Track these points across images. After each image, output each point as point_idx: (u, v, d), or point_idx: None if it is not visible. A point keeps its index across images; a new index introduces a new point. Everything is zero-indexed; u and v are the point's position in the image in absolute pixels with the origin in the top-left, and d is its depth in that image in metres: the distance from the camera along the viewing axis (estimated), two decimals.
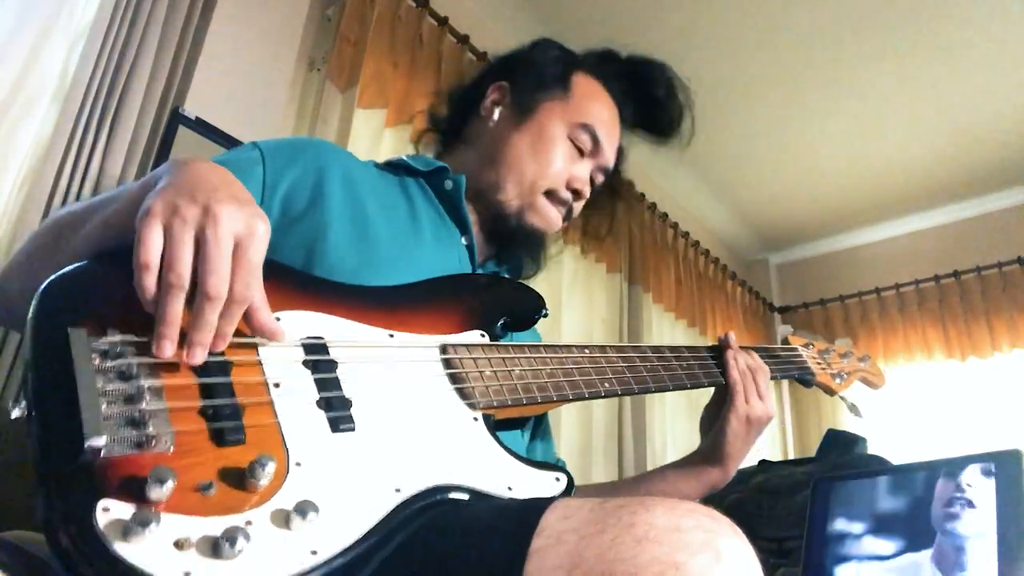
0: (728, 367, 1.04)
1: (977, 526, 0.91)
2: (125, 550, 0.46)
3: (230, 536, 0.48)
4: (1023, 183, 3.63)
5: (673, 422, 3.04)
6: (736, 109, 3.24)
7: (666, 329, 3.25)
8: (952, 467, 1.00)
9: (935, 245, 3.88)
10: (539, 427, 1.09)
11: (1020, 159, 3.46)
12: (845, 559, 1.04)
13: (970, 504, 0.94)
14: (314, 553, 0.52)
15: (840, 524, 1.08)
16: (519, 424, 0.95)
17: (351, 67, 2.04)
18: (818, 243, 4.29)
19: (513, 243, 1.07)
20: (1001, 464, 0.94)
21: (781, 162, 3.61)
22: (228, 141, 1.69)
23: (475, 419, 0.73)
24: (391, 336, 0.75)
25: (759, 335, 4.05)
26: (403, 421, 0.68)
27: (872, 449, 1.79)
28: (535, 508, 0.56)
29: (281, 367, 0.64)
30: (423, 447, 0.67)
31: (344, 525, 0.56)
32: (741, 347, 1.08)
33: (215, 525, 0.50)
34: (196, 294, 0.56)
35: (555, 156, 1.04)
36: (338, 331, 0.71)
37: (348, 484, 0.59)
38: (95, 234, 0.67)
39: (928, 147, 3.41)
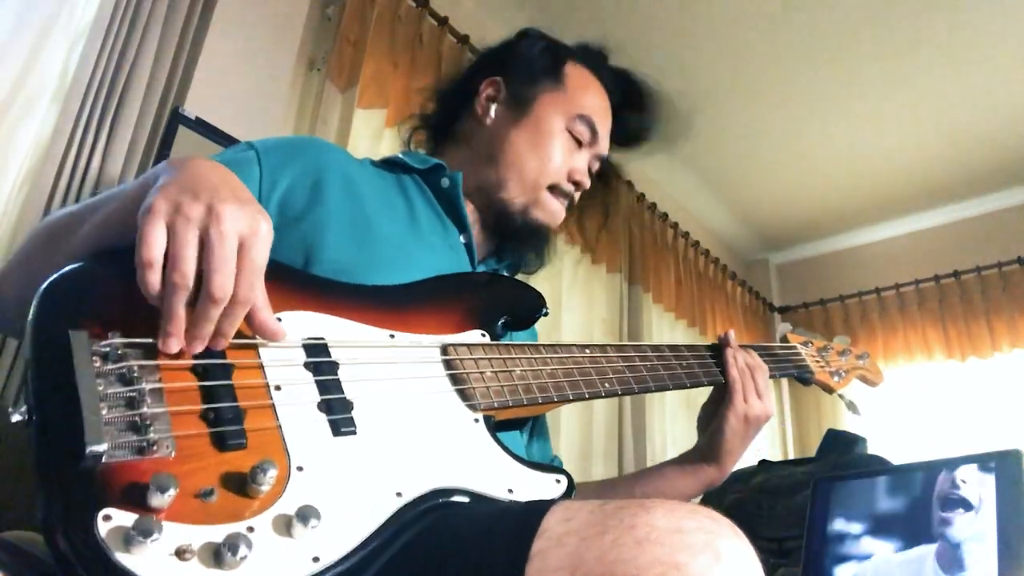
0: (727, 365, 1.04)
1: (977, 526, 0.91)
2: (127, 560, 0.46)
3: (232, 544, 0.48)
4: (1023, 183, 3.63)
5: (673, 422, 3.04)
6: (736, 109, 3.23)
7: (666, 329, 3.25)
8: (952, 467, 0.99)
9: (935, 245, 3.88)
10: (536, 426, 1.09)
11: (1020, 159, 3.45)
12: (845, 559, 1.04)
13: (970, 505, 0.94)
14: (316, 560, 0.52)
15: (840, 524, 1.08)
16: (519, 424, 0.95)
17: (351, 67, 2.04)
18: (818, 243, 4.29)
19: (518, 240, 1.07)
20: (1001, 464, 0.94)
21: (781, 162, 3.60)
22: (228, 141, 1.69)
23: (476, 420, 0.73)
24: (392, 336, 0.75)
25: (759, 335, 4.05)
26: (404, 423, 0.67)
27: (872, 449, 1.79)
28: (536, 510, 0.56)
29: (282, 369, 0.64)
30: (424, 450, 0.66)
31: (346, 531, 0.55)
32: (740, 345, 1.09)
33: (217, 533, 0.49)
34: (200, 293, 0.56)
35: (555, 150, 1.04)
36: (339, 332, 0.71)
37: (349, 489, 0.59)
38: (94, 234, 0.66)
39: (928, 147, 3.41)
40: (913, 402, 3.55)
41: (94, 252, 0.64)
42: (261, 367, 0.63)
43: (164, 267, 0.55)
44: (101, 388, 0.52)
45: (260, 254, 0.58)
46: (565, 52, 1.12)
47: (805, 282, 4.30)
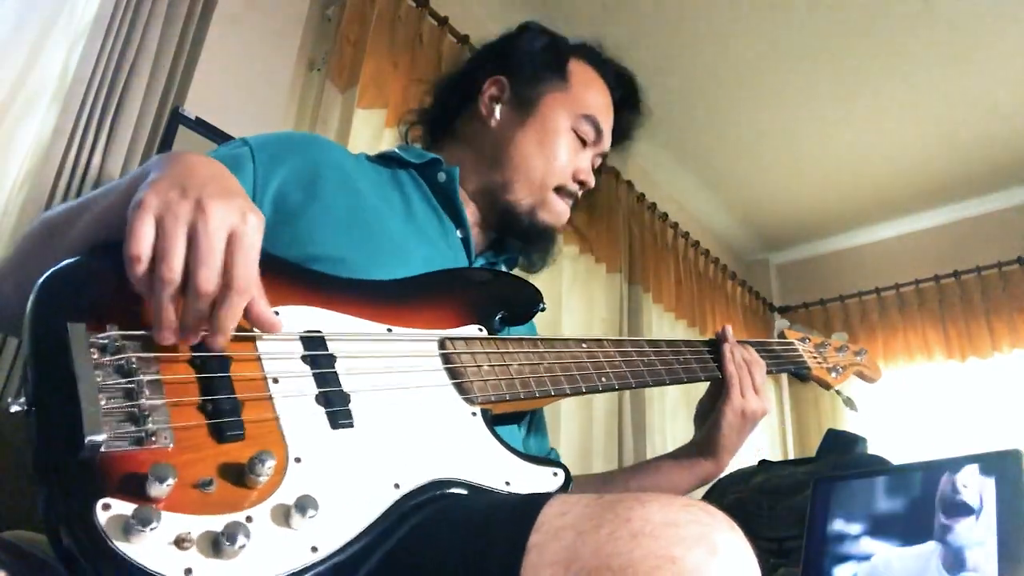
0: (724, 361, 1.04)
1: (978, 532, 0.91)
2: (126, 548, 0.46)
3: (231, 533, 0.48)
4: (1023, 183, 3.63)
5: (673, 420, 3.04)
6: (736, 109, 3.24)
7: (666, 329, 3.25)
8: (952, 467, 0.99)
9: (935, 245, 3.88)
10: (533, 420, 1.09)
11: (1020, 159, 3.46)
12: (845, 559, 1.04)
13: (971, 509, 0.94)
14: (315, 550, 0.53)
15: (840, 524, 1.08)
16: (517, 419, 0.95)
17: (351, 67, 2.04)
18: (818, 243, 4.29)
19: (525, 241, 1.07)
20: (1001, 464, 0.94)
21: (781, 162, 3.61)
22: (228, 141, 1.69)
23: (473, 414, 0.73)
24: (389, 331, 0.75)
25: (759, 335, 4.03)
26: (402, 416, 0.68)
27: (872, 449, 1.78)
28: (533, 503, 0.56)
29: (280, 362, 0.64)
30: (422, 442, 0.67)
31: (344, 521, 0.56)
32: (738, 341, 1.09)
33: (216, 523, 0.49)
34: (187, 288, 0.56)
35: (561, 150, 1.04)
36: (336, 325, 0.71)
37: (347, 480, 0.59)
38: (89, 229, 0.67)
39: (928, 147, 3.41)
40: (913, 402, 3.55)
41: (90, 247, 0.64)
42: (259, 359, 0.63)
43: (153, 262, 0.56)
44: (100, 379, 0.53)
45: (251, 246, 0.58)
46: (568, 48, 1.11)
47: (805, 282, 4.30)
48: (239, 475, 0.54)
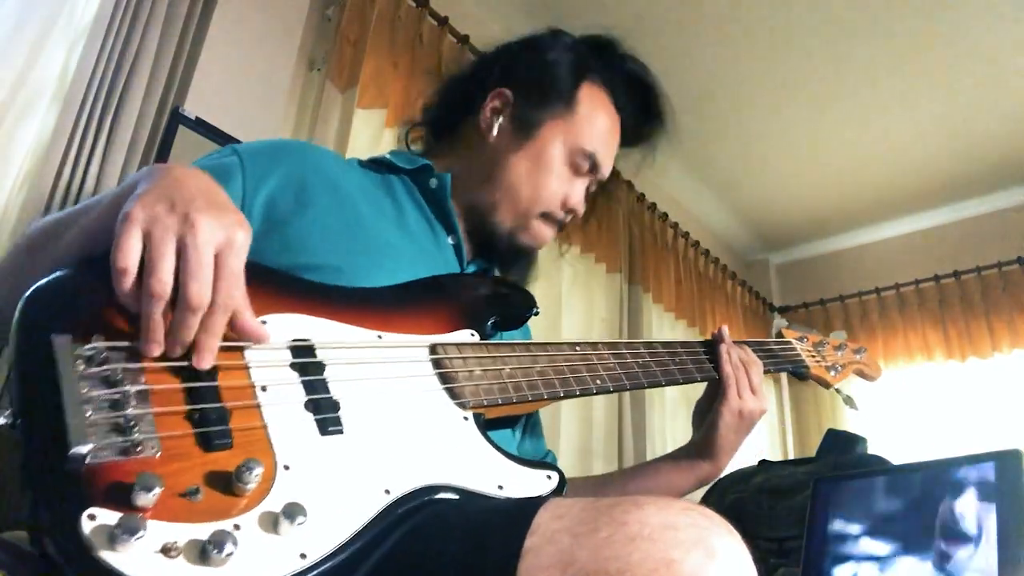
0: (721, 361, 1.04)
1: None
2: (111, 557, 0.46)
3: (218, 541, 0.48)
4: (1023, 183, 3.63)
5: (673, 421, 3.04)
6: (736, 109, 3.23)
7: (666, 329, 3.24)
8: (952, 467, 0.99)
9: (935, 245, 3.88)
10: (528, 423, 1.09)
11: (1020, 159, 3.45)
12: (845, 559, 1.04)
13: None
14: (303, 556, 0.52)
15: (840, 524, 1.08)
16: (511, 423, 0.95)
17: (351, 67, 2.04)
18: (818, 243, 4.29)
19: (502, 259, 1.07)
20: (1001, 464, 0.93)
21: (781, 162, 3.60)
22: (228, 141, 1.69)
23: (465, 418, 0.73)
24: (379, 337, 0.75)
25: (759, 335, 4.02)
26: (392, 422, 0.68)
27: (872, 449, 1.78)
28: (528, 507, 0.56)
29: (268, 370, 0.64)
30: (413, 448, 0.67)
31: (333, 528, 0.56)
32: (734, 341, 1.08)
33: (203, 531, 0.49)
34: (177, 301, 0.56)
35: (552, 181, 1.02)
36: (326, 333, 0.71)
37: (337, 487, 0.59)
38: (76, 242, 0.67)
39: (928, 147, 3.41)
40: (913, 402, 3.55)
41: (77, 260, 0.64)
42: (247, 368, 0.63)
43: (141, 275, 0.56)
44: (85, 391, 0.53)
45: (237, 263, 0.59)
46: (583, 69, 1.07)
47: (805, 282, 4.30)
48: (227, 483, 0.54)
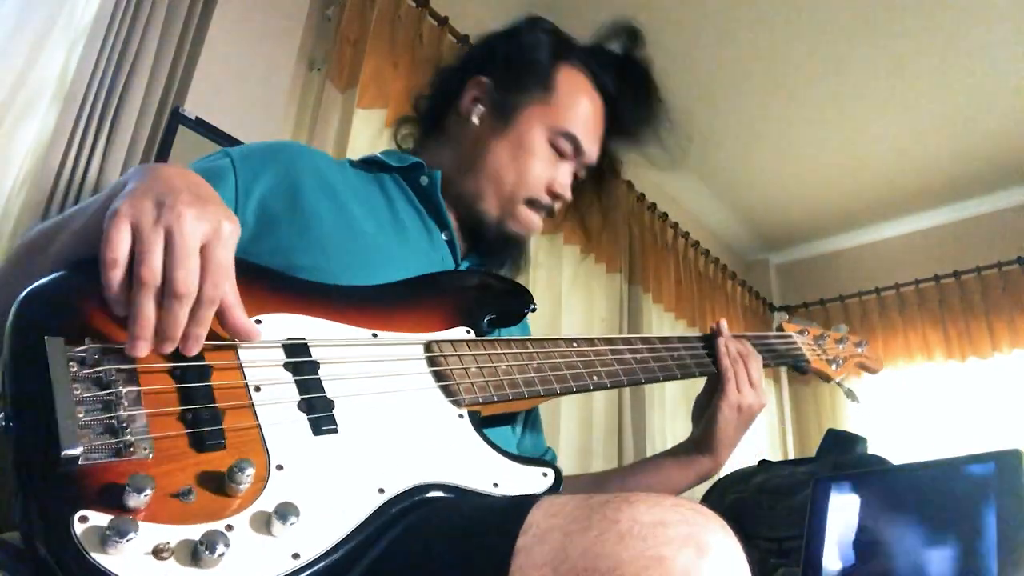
0: (719, 355, 1.04)
1: (977, 526, 0.91)
2: (103, 559, 0.46)
3: (210, 542, 0.48)
4: (1023, 183, 3.63)
5: (673, 420, 3.04)
6: (736, 109, 3.23)
7: (666, 329, 3.24)
8: (952, 467, 0.99)
9: (935, 245, 3.88)
10: (528, 418, 1.09)
11: (1020, 159, 3.45)
12: (845, 559, 1.04)
13: (969, 505, 0.94)
14: (296, 557, 0.52)
15: (840, 524, 1.08)
16: (508, 420, 0.94)
17: (351, 67, 2.04)
18: (818, 243, 4.29)
19: (492, 248, 1.06)
20: (1001, 464, 0.94)
21: (781, 162, 3.60)
22: (228, 141, 1.69)
23: (460, 416, 0.73)
24: (374, 335, 0.75)
25: None
26: (387, 421, 0.67)
27: (872, 449, 1.78)
28: (521, 505, 0.56)
29: (262, 370, 0.64)
30: (407, 446, 0.66)
31: (326, 528, 0.55)
32: (733, 335, 1.08)
33: (195, 532, 0.49)
34: (165, 292, 0.56)
35: (535, 165, 1.02)
36: (320, 332, 0.71)
37: (330, 486, 0.59)
38: (69, 244, 0.67)
39: (928, 147, 3.41)
40: (913, 402, 3.55)
41: (70, 262, 0.64)
42: (240, 368, 0.63)
43: (130, 269, 0.56)
44: (78, 392, 0.53)
45: (223, 254, 0.59)
46: (561, 53, 1.07)
47: (805, 282, 4.30)
48: (219, 484, 0.54)
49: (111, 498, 0.49)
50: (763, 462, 1.90)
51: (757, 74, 3.02)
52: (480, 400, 0.76)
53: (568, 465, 2.41)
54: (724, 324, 1.07)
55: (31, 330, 0.55)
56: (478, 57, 1.10)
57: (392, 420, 0.68)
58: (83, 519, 0.47)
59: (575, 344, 0.91)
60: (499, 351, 0.82)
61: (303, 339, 0.68)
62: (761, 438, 3.62)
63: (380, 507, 0.59)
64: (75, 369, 0.54)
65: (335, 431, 0.63)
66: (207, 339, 0.60)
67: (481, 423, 0.75)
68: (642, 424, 2.87)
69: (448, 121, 1.08)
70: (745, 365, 1.04)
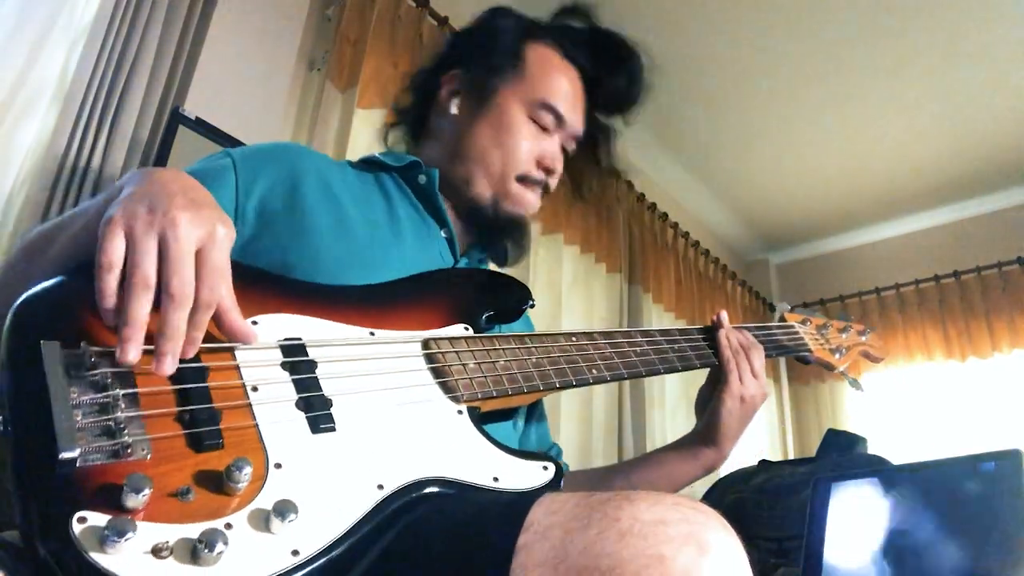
0: (720, 346, 1.03)
1: (977, 526, 0.91)
2: (102, 559, 0.46)
3: (208, 540, 0.48)
4: (1023, 183, 3.63)
5: (673, 420, 3.04)
6: (737, 109, 3.24)
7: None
8: (952, 467, 1.00)
9: (935, 245, 3.88)
10: (534, 412, 1.09)
11: (1020, 159, 3.45)
12: (845, 559, 1.04)
13: (969, 505, 0.94)
14: (295, 553, 0.52)
15: (840, 524, 1.08)
16: (509, 415, 0.94)
17: (351, 67, 2.04)
18: (818, 243, 4.29)
19: (494, 232, 1.06)
20: (1001, 464, 0.94)
21: (781, 162, 3.61)
22: (228, 141, 1.69)
23: (459, 412, 0.73)
24: (372, 334, 0.75)
25: None
26: (385, 418, 0.68)
27: (872, 449, 1.79)
28: (522, 503, 0.56)
29: (259, 370, 0.64)
30: (406, 443, 0.67)
31: (325, 524, 0.56)
32: (734, 326, 1.08)
33: (194, 530, 0.50)
34: (161, 298, 0.56)
35: (519, 141, 1.02)
36: (317, 332, 0.71)
37: (329, 483, 0.59)
38: (65, 250, 0.67)
39: (928, 147, 3.41)
40: (913, 402, 3.55)
41: (68, 265, 0.64)
42: (237, 368, 0.63)
43: (124, 275, 0.56)
44: (75, 395, 0.53)
45: (219, 257, 0.59)
46: (526, 33, 1.08)
47: (805, 282, 4.30)
48: (218, 483, 0.54)
49: (109, 499, 0.49)
50: (763, 462, 1.90)
51: (757, 74, 3.03)
52: (479, 396, 0.76)
53: (568, 463, 2.41)
54: (724, 315, 1.07)
55: (28, 334, 0.56)
56: (448, 54, 1.12)
57: (390, 417, 0.68)
58: (82, 520, 0.47)
59: (574, 339, 0.91)
60: (497, 347, 0.82)
61: (300, 339, 0.69)
62: (761, 438, 3.62)
63: (379, 503, 0.59)
64: (72, 372, 0.54)
65: (333, 429, 0.63)
66: (204, 341, 0.60)
67: (481, 419, 0.75)
68: (642, 422, 2.87)
69: (431, 120, 1.09)
70: (747, 356, 1.04)
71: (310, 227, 0.86)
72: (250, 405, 0.61)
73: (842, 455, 1.74)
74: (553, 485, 0.70)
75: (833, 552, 1.06)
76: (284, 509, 0.53)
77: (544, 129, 1.04)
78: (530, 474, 0.70)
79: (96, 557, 0.46)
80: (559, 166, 1.06)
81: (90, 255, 0.59)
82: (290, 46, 1.97)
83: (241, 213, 0.84)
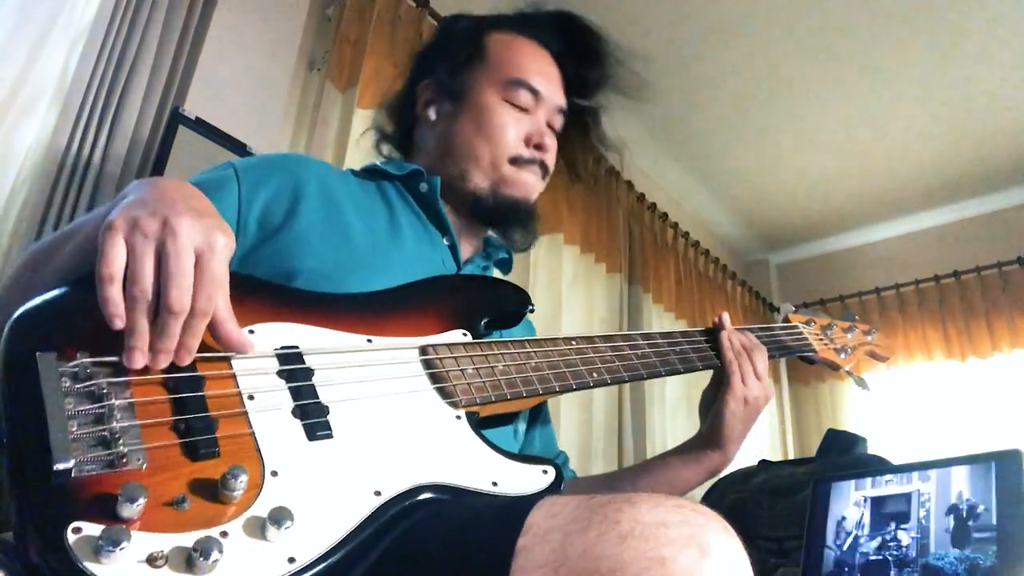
0: (723, 348, 1.03)
1: (977, 526, 0.91)
2: (96, 569, 0.46)
3: (204, 548, 0.48)
4: (1023, 183, 3.63)
5: (673, 419, 3.04)
6: (737, 110, 3.24)
7: (666, 329, 3.24)
8: (952, 467, 0.99)
9: (935, 245, 3.88)
10: (538, 416, 1.08)
11: (1020, 159, 3.46)
12: (844, 559, 1.04)
13: (970, 504, 0.94)
14: (292, 560, 0.52)
15: (840, 524, 1.08)
16: (509, 420, 0.94)
17: (351, 67, 2.04)
18: (818, 243, 4.29)
19: (500, 221, 1.05)
20: (1001, 464, 0.94)
21: (781, 162, 3.61)
22: (228, 141, 1.69)
23: (457, 417, 0.73)
24: (369, 341, 0.75)
25: None
26: (383, 424, 0.67)
27: (872, 449, 1.79)
28: (521, 505, 0.56)
29: (255, 378, 0.64)
30: (404, 449, 0.66)
31: (322, 531, 0.55)
32: (737, 328, 1.07)
33: (189, 539, 0.50)
34: (159, 307, 0.56)
35: (500, 125, 1.02)
36: (314, 340, 0.71)
37: (326, 490, 0.59)
38: (69, 260, 0.68)
39: (928, 147, 3.41)
40: (913, 402, 3.55)
41: (71, 275, 0.65)
42: (233, 377, 0.63)
43: (125, 284, 0.56)
44: (70, 406, 0.53)
45: (217, 266, 0.59)
46: (484, 26, 1.10)
47: (805, 282, 4.30)
48: (213, 492, 0.54)
49: (104, 508, 0.49)
50: (763, 462, 1.90)
51: (757, 75, 3.03)
52: (477, 401, 0.76)
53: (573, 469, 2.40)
54: (726, 317, 1.07)
55: (24, 346, 0.56)
56: (417, 71, 1.14)
57: (388, 423, 0.68)
58: (76, 530, 0.48)
59: (574, 343, 0.90)
60: (496, 352, 0.82)
61: (296, 347, 0.69)
62: (761, 438, 3.62)
63: (377, 510, 0.59)
64: (67, 384, 0.54)
65: (330, 436, 0.63)
66: (201, 351, 0.61)
67: (480, 424, 0.75)
68: (642, 423, 2.87)
69: (416, 135, 1.11)
70: (749, 357, 1.03)
71: (312, 236, 0.86)
72: (246, 413, 0.61)
73: (842, 455, 1.74)
74: (553, 489, 0.70)
75: (832, 552, 1.06)
76: (280, 516, 0.53)
77: (524, 109, 1.04)
78: (530, 478, 0.70)
79: (91, 567, 0.46)
80: (548, 141, 1.05)
81: (93, 265, 0.59)
82: (290, 46, 1.97)
83: (243, 223, 0.84)
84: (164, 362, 0.58)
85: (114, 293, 0.56)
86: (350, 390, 0.68)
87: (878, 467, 1.36)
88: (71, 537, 0.47)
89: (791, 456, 3.82)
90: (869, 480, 1.10)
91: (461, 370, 0.77)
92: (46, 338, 0.57)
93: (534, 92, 1.04)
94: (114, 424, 0.54)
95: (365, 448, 0.64)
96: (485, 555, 0.54)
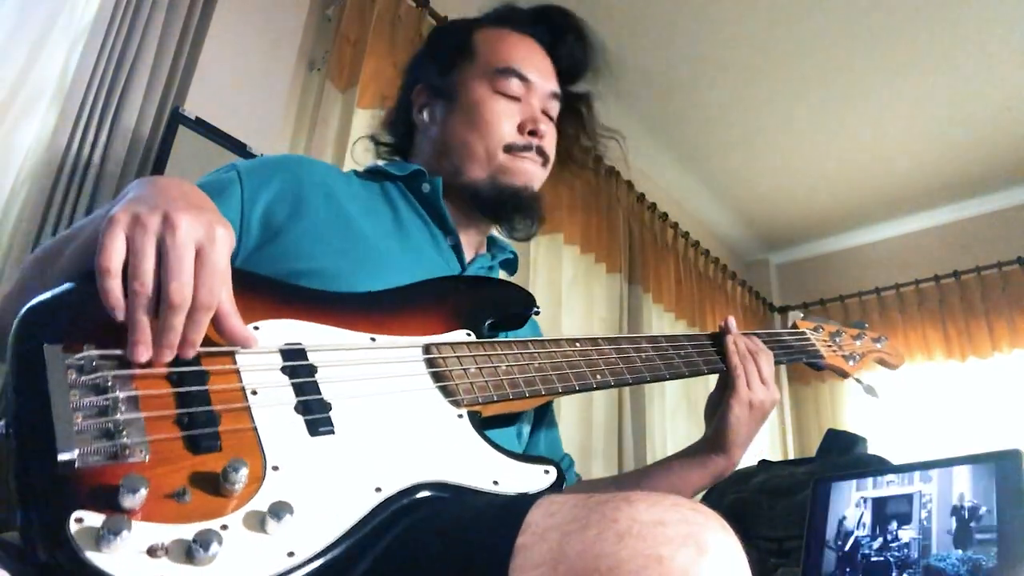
0: (728, 352, 1.02)
1: (977, 526, 0.91)
2: (97, 558, 0.47)
3: (203, 541, 0.49)
4: (1023, 183, 3.63)
5: (673, 421, 3.04)
6: (737, 109, 3.24)
7: (666, 329, 3.25)
8: (952, 467, 1.00)
9: (935, 245, 3.89)
10: (543, 418, 1.08)
11: (1020, 159, 3.46)
12: (844, 559, 1.04)
13: (972, 505, 0.94)
14: (291, 555, 0.52)
15: (840, 524, 1.08)
16: (512, 420, 0.94)
17: (351, 67, 2.04)
18: (818, 243, 4.29)
19: (504, 213, 1.05)
20: (1001, 464, 0.94)
21: (781, 162, 3.61)
22: (228, 141, 1.69)
23: (459, 416, 0.73)
24: (373, 340, 0.75)
25: None
26: (385, 421, 0.68)
27: (872, 449, 1.79)
28: (521, 504, 0.56)
29: (258, 374, 0.64)
30: (405, 446, 0.67)
31: (322, 526, 0.56)
32: (743, 332, 1.07)
33: (189, 531, 0.50)
34: (160, 301, 0.57)
35: (492, 115, 1.02)
36: (318, 337, 0.71)
37: (327, 486, 0.59)
38: (74, 258, 0.68)
39: (928, 147, 3.42)
40: (913, 402, 3.55)
41: (76, 272, 0.65)
42: (237, 372, 0.63)
43: (126, 278, 0.57)
44: (75, 398, 0.54)
45: (218, 259, 0.59)
46: (471, 26, 1.11)
47: (805, 282, 4.30)
48: (214, 485, 0.54)
49: (106, 499, 0.49)
50: (763, 462, 1.90)
51: (757, 75, 3.03)
52: (479, 400, 0.76)
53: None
54: (732, 321, 1.07)
55: (31, 340, 0.57)
56: (409, 79, 1.15)
57: (390, 421, 0.68)
58: (79, 520, 0.48)
59: (578, 344, 0.90)
60: (499, 351, 0.82)
61: (300, 344, 0.69)
62: (761, 438, 3.62)
63: (377, 506, 0.59)
64: (73, 376, 0.55)
65: (332, 432, 0.63)
66: (206, 344, 0.61)
67: (482, 424, 0.75)
68: (642, 424, 2.87)
69: (415, 140, 1.12)
70: (755, 361, 1.03)
71: (315, 237, 0.86)
72: (249, 408, 0.61)
73: (842, 455, 1.74)
74: (554, 489, 0.70)
75: (833, 552, 1.06)
76: (280, 510, 0.53)
77: (515, 98, 1.04)
78: (531, 478, 0.70)
79: (91, 556, 0.47)
80: (544, 127, 1.05)
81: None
82: (290, 46, 1.97)
83: (246, 224, 0.84)
84: (168, 356, 0.58)
85: (113, 285, 0.56)
86: (353, 387, 0.68)
87: (878, 467, 1.36)
88: (74, 527, 0.48)
89: (791, 456, 3.82)
90: (870, 480, 1.10)
91: (464, 369, 0.77)
92: (52, 331, 0.58)
93: (523, 79, 1.04)
94: (118, 416, 0.54)
95: (367, 445, 0.64)
96: (484, 553, 0.54)
